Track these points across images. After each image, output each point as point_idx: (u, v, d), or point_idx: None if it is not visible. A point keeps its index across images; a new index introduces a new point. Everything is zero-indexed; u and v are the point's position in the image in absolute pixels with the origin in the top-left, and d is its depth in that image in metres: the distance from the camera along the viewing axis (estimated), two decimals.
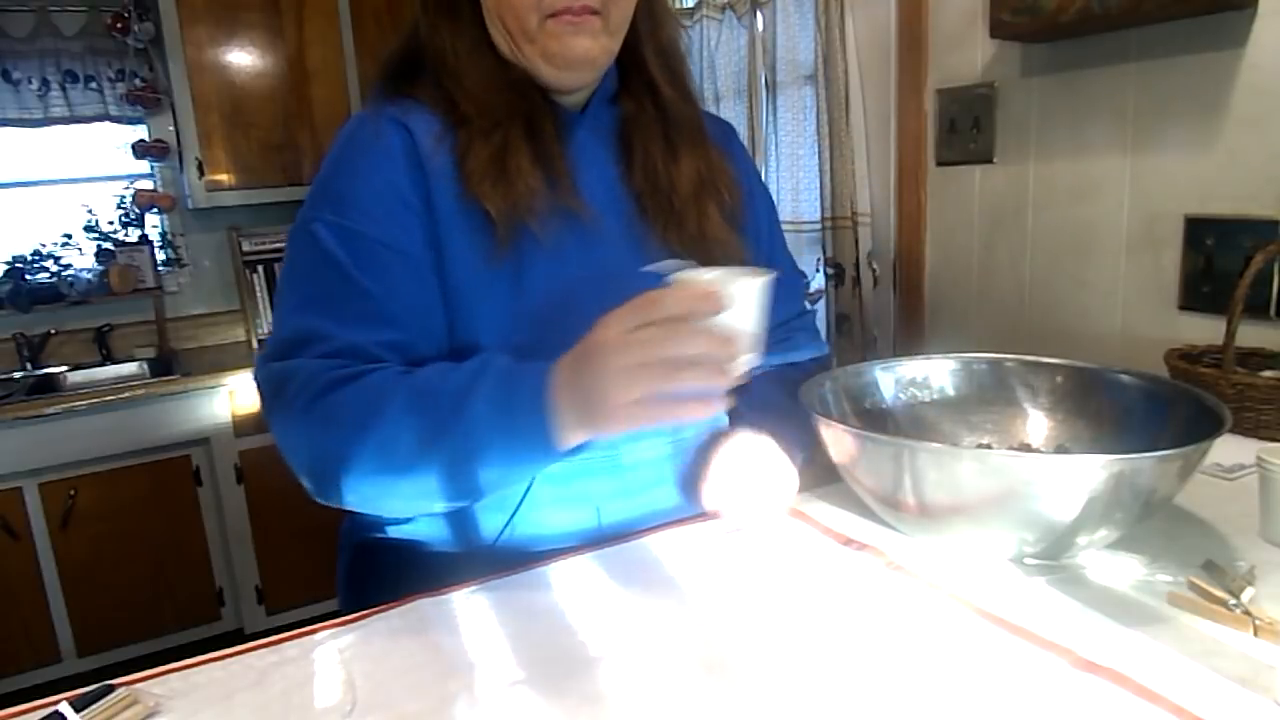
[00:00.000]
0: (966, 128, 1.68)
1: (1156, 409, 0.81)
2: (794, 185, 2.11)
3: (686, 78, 0.90)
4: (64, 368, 2.77)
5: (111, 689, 0.60)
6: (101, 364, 2.82)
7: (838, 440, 0.77)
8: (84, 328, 2.84)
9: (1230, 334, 1.05)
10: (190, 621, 2.60)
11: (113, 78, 2.81)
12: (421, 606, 0.72)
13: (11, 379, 2.66)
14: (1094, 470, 0.64)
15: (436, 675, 0.61)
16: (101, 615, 2.46)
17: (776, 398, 0.90)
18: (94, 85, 2.80)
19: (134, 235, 2.89)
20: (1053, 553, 0.71)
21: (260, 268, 2.88)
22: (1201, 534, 0.78)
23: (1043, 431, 0.90)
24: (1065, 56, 1.47)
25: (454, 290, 0.77)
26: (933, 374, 0.95)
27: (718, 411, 0.59)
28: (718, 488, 0.81)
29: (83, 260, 2.82)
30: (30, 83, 2.71)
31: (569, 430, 0.62)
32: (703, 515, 0.86)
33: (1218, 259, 1.29)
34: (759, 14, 2.08)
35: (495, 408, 0.64)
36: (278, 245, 2.86)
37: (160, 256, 2.92)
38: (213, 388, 2.51)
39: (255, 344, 2.93)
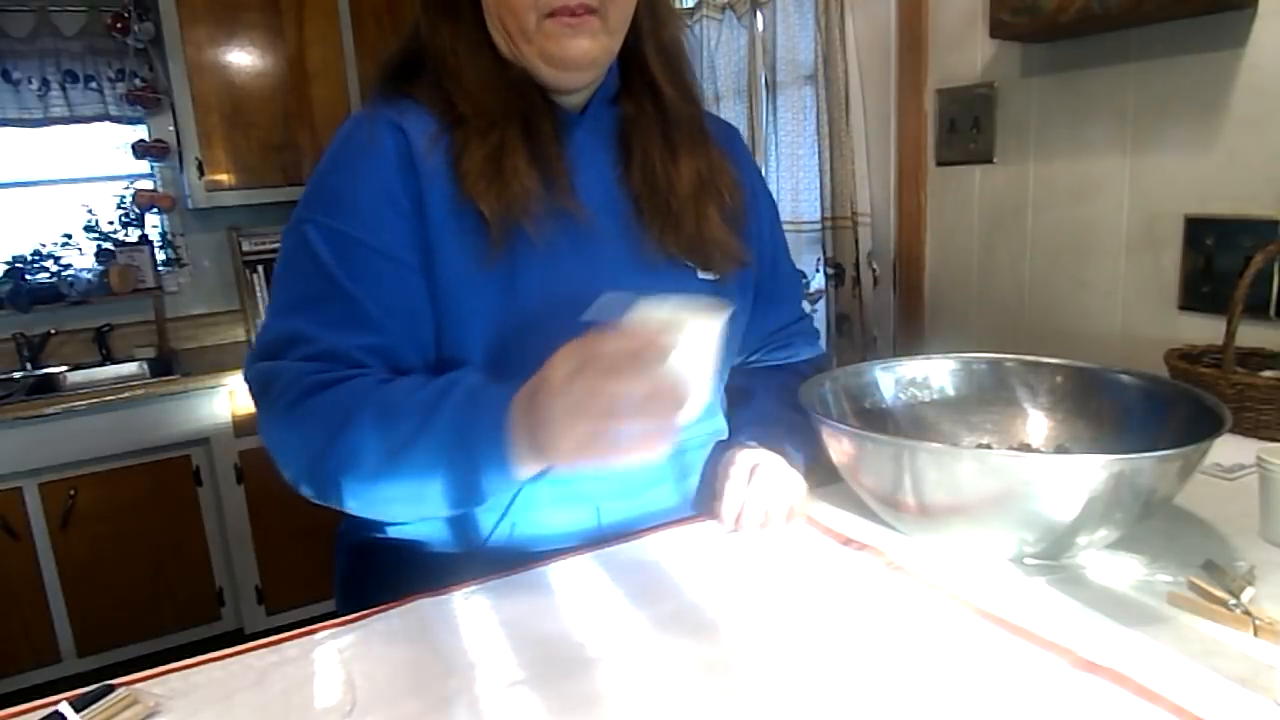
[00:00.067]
0: (966, 128, 1.68)
1: (1156, 409, 0.81)
2: (794, 185, 2.11)
3: (689, 77, 0.90)
4: (64, 368, 2.77)
5: (111, 689, 0.60)
6: (101, 364, 2.82)
7: (838, 440, 0.77)
8: (84, 328, 2.84)
9: (1230, 334, 1.05)
10: (190, 621, 2.60)
11: (113, 78, 2.81)
12: (421, 606, 0.72)
13: (11, 379, 2.66)
14: (1094, 470, 0.64)
15: (436, 675, 0.61)
16: (101, 615, 2.46)
17: (778, 408, 0.90)
18: (94, 85, 2.80)
19: (134, 235, 2.89)
20: (1053, 553, 0.71)
21: (260, 268, 2.88)
22: (1201, 534, 0.78)
23: (1043, 431, 0.90)
24: (1065, 56, 1.47)
25: (445, 292, 0.77)
26: (933, 374, 0.95)
27: (667, 451, 0.58)
28: (730, 503, 0.82)
29: (83, 260, 2.83)
30: (30, 83, 2.71)
31: (525, 460, 0.63)
32: (703, 515, 0.86)
33: (1218, 259, 1.29)
34: (759, 14, 2.08)
35: (456, 432, 0.65)
36: (277, 245, 2.80)
37: (160, 256, 2.92)
38: (213, 388, 2.51)
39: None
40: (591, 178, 0.83)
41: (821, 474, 0.86)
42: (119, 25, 2.71)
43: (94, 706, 0.58)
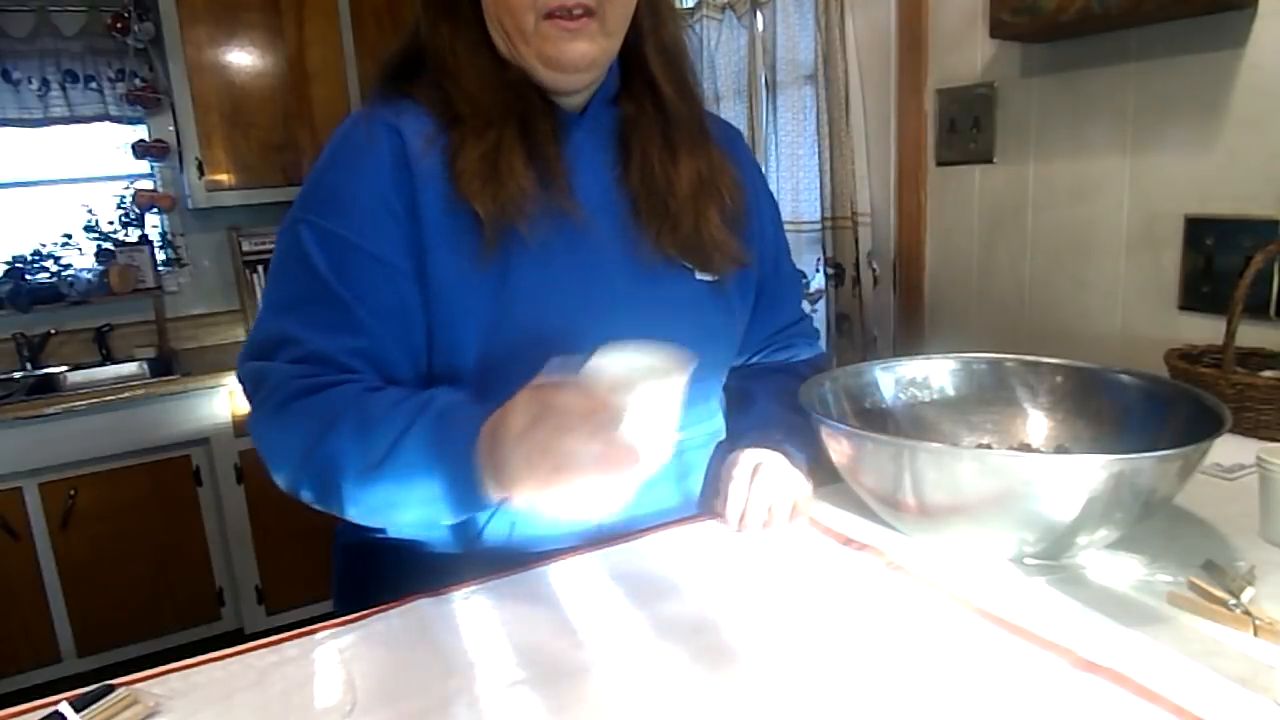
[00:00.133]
0: (966, 128, 1.68)
1: (1156, 409, 0.81)
2: (794, 185, 2.11)
3: (690, 77, 0.89)
4: (64, 368, 2.77)
5: (111, 689, 0.60)
6: (101, 364, 2.82)
7: (837, 440, 0.77)
8: (84, 328, 2.84)
9: (1230, 334, 1.05)
10: (190, 621, 2.60)
11: (113, 78, 2.81)
12: (421, 606, 0.72)
13: (11, 379, 2.66)
14: (1094, 470, 0.64)
15: (436, 675, 0.61)
16: (101, 615, 2.46)
17: (778, 410, 0.90)
18: (94, 85, 2.80)
19: (134, 235, 2.89)
20: (1053, 553, 0.71)
21: (260, 268, 2.88)
22: (1201, 534, 0.78)
23: (1043, 431, 0.90)
24: (1065, 56, 1.47)
25: (438, 294, 0.77)
26: (933, 374, 0.95)
27: (624, 501, 0.58)
28: (733, 503, 0.82)
29: (83, 260, 2.83)
30: (30, 83, 2.71)
31: (491, 489, 0.64)
32: (704, 515, 0.86)
33: (1218, 259, 1.29)
34: (759, 14, 2.08)
35: (425, 456, 0.66)
36: None
37: (160, 256, 2.93)
38: (213, 388, 2.51)
39: None
40: (590, 178, 0.83)
41: (822, 475, 0.86)
42: (119, 25, 2.71)
43: (94, 706, 0.58)
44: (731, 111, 2.22)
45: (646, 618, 0.68)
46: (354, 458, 0.68)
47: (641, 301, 0.82)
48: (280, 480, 0.74)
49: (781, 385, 0.93)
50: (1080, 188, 1.49)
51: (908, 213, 1.85)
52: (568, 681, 0.60)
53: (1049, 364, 0.91)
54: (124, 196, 2.88)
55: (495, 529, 0.81)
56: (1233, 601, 0.63)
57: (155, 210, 2.92)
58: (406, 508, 0.68)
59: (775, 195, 2.08)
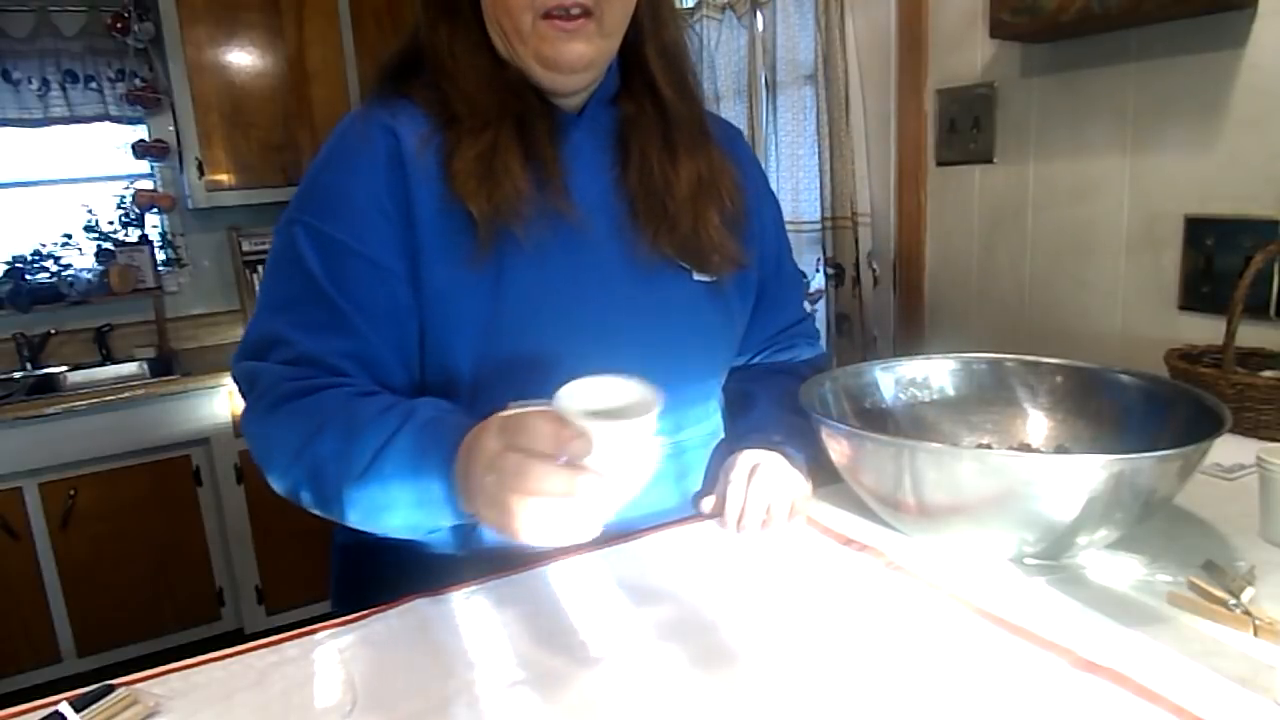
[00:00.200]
0: (966, 128, 1.68)
1: (1156, 409, 0.81)
2: (794, 185, 2.11)
3: (690, 79, 0.89)
4: (64, 368, 2.77)
5: (111, 689, 0.60)
6: (101, 364, 2.82)
7: (837, 440, 0.77)
8: (84, 328, 2.84)
9: (1230, 334, 1.05)
10: (190, 621, 2.60)
11: (113, 78, 2.81)
12: (421, 606, 0.72)
13: (11, 379, 2.66)
14: (1094, 470, 0.64)
15: (436, 675, 0.61)
16: (101, 615, 2.46)
17: (778, 411, 0.90)
18: (94, 85, 2.80)
19: (134, 235, 2.89)
20: (1053, 553, 0.71)
21: (260, 268, 2.88)
22: (1201, 534, 0.78)
23: (1043, 431, 0.90)
24: (1065, 56, 1.47)
25: (430, 296, 0.77)
26: (933, 374, 0.95)
27: (591, 537, 0.58)
28: (732, 504, 0.82)
29: (83, 260, 2.83)
30: (30, 83, 2.71)
31: (465, 505, 0.63)
32: (703, 516, 0.86)
33: (1218, 259, 1.29)
34: (759, 14, 2.08)
35: (405, 467, 0.66)
36: None
37: (160, 256, 2.93)
38: (213, 388, 2.51)
39: None
40: (587, 179, 0.83)
41: (822, 476, 0.86)
42: (119, 25, 2.71)
43: (94, 706, 0.58)
44: (731, 111, 2.22)
45: (646, 618, 0.68)
46: (339, 464, 0.68)
47: (638, 302, 0.82)
48: (270, 479, 0.75)
49: (782, 387, 0.93)
50: (1080, 188, 1.49)
51: (908, 213, 1.85)
52: (568, 681, 0.60)
53: (1049, 364, 0.91)
54: (124, 196, 2.88)
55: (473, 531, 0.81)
56: (1233, 601, 0.63)
57: (155, 210, 2.92)
58: (390, 515, 0.68)
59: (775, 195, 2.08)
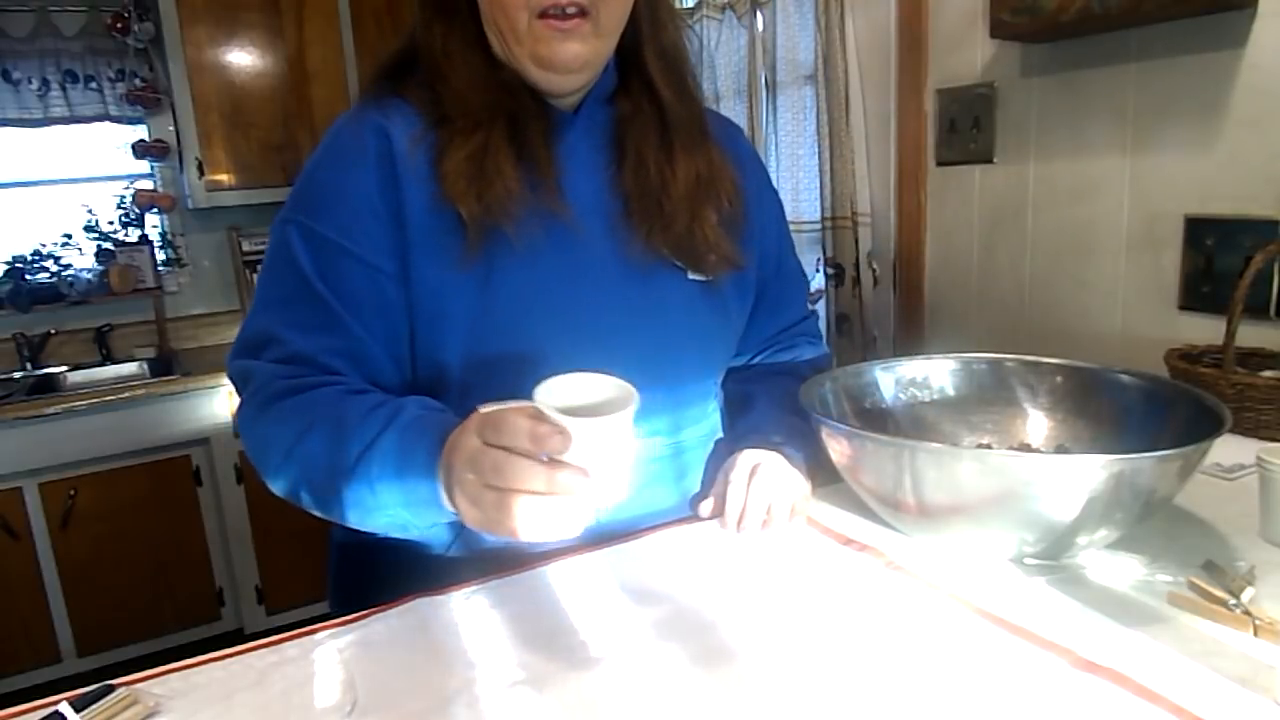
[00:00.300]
0: (966, 128, 1.68)
1: (1156, 409, 0.81)
2: (794, 185, 2.11)
3: (690, 80, 0.89)
4: (64, 368, 2.77)
5: (111, 689, 0.60)
6: (101, 364, 2.82)
7: (837, 441, 0.77)
8: (84, 328, 2.84)
9: (1230, 334, 1.05)
10: (190, 621, 2.60)
11: (113, 78, 2.81)
12: (421, 606, 0.72)
13: (11, 379, 2.66)
14: (1094, 470, 0.64)
15: (436, 675, 0.61)
16: (101, 615, 2.46)
17: (778, 412, 0.89)
18: (94, 85, 2.80)
19: (134, 235, 2.89)
20: (1053, 553, 0.71)
21: (260, 267, 2.88)
22: (1201, 534, 0.78)
23: (1043, 431, 0.90)
24: (1065, 56, 1.47)
25: (420, 295, 0.77)
26: (933, 374, 0.95)
27: (574, 534, 0.58)
28: (732, 504, 0.82)
29: (83, 260, 2.83)
30: (30, 83, 2.71)
31: (450, 504, 0.63)
32: (703, 516, 0.86)
33: (1218, 259, 1.29)
34: (759, 14, 2.08)
35: (390, 466, 0.66)
36: None
37: (160, 256, 2.93)
38: (213, 388, 2.51)
39: None
40: (582, 178, 0.82)
41: (823, 476, 0.86)
42: (119, 25, 2.71)
43: (94, 706, 0.58)
44: (731, 111, 2.22)
45: (646, 618, 0.68)
46: (327, 463, 0.69)
47: (632, 301, 0.82)
48: (264, 477, 0.75)
49: (782, 388, 0.93)
50: (1080, 188, 1.49)
51: (908, 213, 1.85)
52: (568, 681, 0.60)
53: (1049, 364, 0.91)
54: (124, 196, 2.88)
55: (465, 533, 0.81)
56: (1233, 601, 0.63)
57: (155, 210, 2.92)
58: (381, 514, 0.68)
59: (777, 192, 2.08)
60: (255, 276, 2.87)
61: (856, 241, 1.93)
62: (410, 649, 0.65)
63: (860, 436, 0.74)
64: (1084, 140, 1.47)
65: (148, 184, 2.94)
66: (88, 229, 2.82)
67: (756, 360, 1.02)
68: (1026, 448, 0.89)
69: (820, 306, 2.08)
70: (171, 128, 2.80)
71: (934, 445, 0.72)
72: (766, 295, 0.97)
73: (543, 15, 0.75)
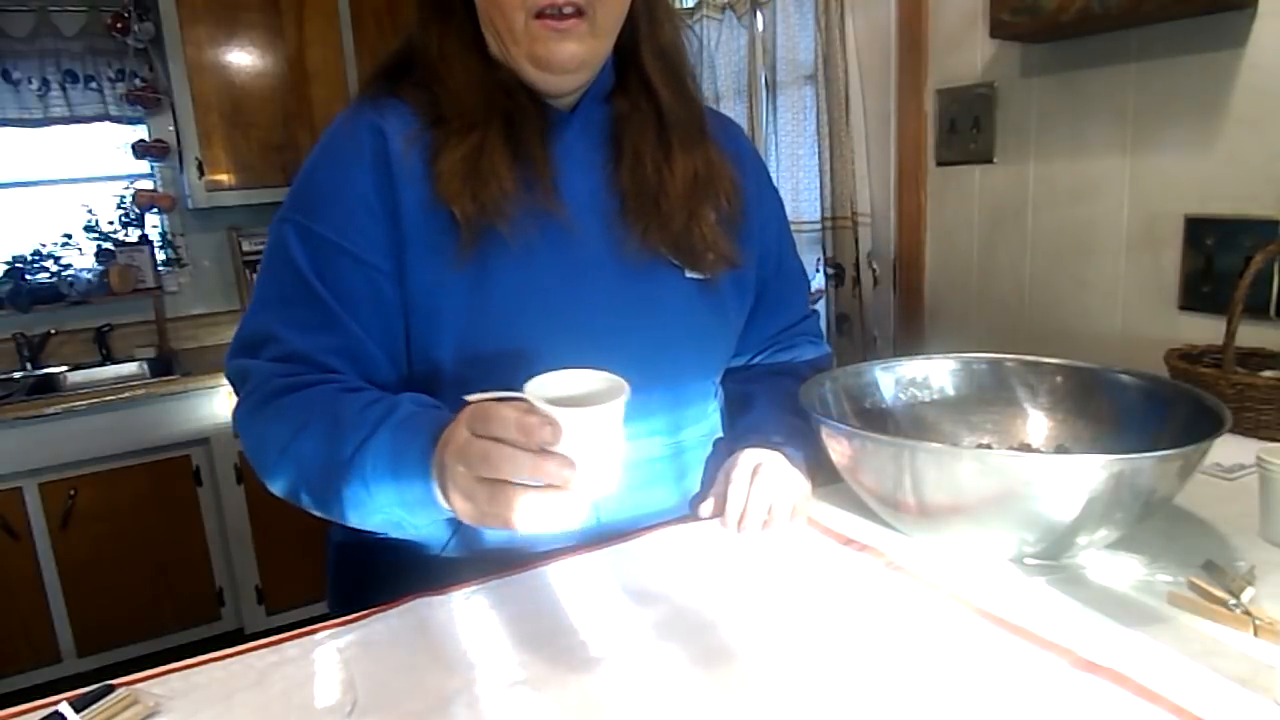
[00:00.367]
0: (966, 128, 1.68)
1: (1156, 409, 0.81)
2: (794, 185, 2.11)
3: (688, 80, 0.89)
4: (64, 368, 2.77)
5: (111, 689, 0.60)
6: (101, 364, 2.82)
7: (837, 440, 0.77)
8: (84, 328, 2.84)
9: (1230, 334, 1.05)
10: (190, 621, 2.60)
11: (113, 78, 2.81)
12: (421, 606, 0.72)
13: (11, 379, 2.66)
14: (1094, 470, 0.64)
15: (436, 675, 0.61)
16: (101, 615, 2.46)
17: (778, 413, 0.89)
18: (94, 85, 2.80)
19: (134, 235, 2.89)
20: (1053, 553, 0.71)
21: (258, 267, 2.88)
22: (1201, 534, 0.78)
23: (1043, 431, 0.90)
24: (1065, 56, 1.47)
25: (416, 294, 0.77)
26: (933, 374, 0.95)
27: (569, 527, 0.58)
28: (733, 504, 0.82)
29: (83, 260, 2.83)
30: (30, 83, 2.71)
31: (444, 500, 0.63)
32: (703, 516, 0.86)
33: (1218, 259, 1.29)
34: (759, 14, 2.08)
35: (384, 464, 0.66)
36: None
37: (160, 256, 2.93)
38: (213, 388, 2.51)
39: None
40: (578, 177, 0.82)
41: (823, 476, 0.86)
42: (119, 25, 2.71)
43: (94, 706, 0.58)
44: (731, 111, 2.22)
45: (646, 618, 0.68)
46: (323, 461, 0.69)
47: (628, 299, 0.82)
48: (261, 475, 0.75)
49: (782, 387, 0.92)
50: (1080, 188, 1.49)
51: (908, 213, 1.85)
52: (568, 681, 0.60)
53: (1049, 364, 0.91)
54: (124, 196, 2.88)
55: (493, 529, 0.81)
56: (1233, 601, 0.63)
57: (155, 210, 2.92)
58: (378, 512, 0.68)
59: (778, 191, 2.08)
60: (255, 276, 2.87)
61: (856, 241, 1.93)
62: (410, 649, 0.65)
63: (860, 436, 0.74)
64: (1084, 140, 1.47)
65: (148, 184, 2.94)
66: (88, 229, 2.82)
67: (757, 360, 1.02)
68: (1026, 448, 0.89)
69: (820, 306, 2.08)
70: (171, 128, 2.80)
71: (934, 445, 0.72)
72: (767, 295, 0.97)
73: (539, 15, 0.75)
